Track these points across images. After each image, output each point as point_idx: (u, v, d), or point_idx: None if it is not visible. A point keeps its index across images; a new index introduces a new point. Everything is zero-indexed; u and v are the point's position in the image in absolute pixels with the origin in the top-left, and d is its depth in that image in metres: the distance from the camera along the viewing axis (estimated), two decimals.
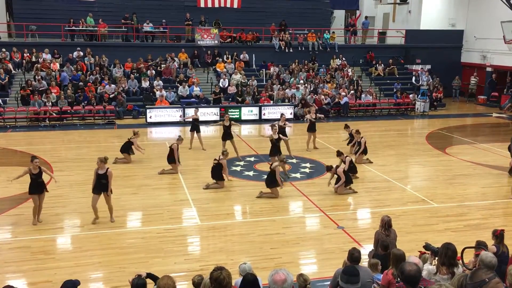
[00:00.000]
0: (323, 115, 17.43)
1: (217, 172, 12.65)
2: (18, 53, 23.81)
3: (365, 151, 15.27)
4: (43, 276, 8.14)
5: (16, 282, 7.77)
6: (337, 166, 12.53)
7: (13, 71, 23.17)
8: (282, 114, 16.04)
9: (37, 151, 15.98)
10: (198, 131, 16.62)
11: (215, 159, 12.77)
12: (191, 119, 17.08)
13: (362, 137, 15.33)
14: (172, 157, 13.85)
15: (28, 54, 23.80)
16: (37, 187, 10.19)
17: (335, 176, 12.42)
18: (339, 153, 13.58)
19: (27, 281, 8.09)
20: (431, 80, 27.11)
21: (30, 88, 21.52)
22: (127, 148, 15.00)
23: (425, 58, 28.67)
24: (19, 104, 21.20)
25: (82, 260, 8.72)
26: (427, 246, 6.31)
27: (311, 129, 16.81)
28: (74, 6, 26.56)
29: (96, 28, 25.70)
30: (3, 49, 23.52)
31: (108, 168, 10.30)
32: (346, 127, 16.72)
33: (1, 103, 20.77)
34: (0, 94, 21.39)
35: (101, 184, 10.24)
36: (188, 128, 17.35)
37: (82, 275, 8.08)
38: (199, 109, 20.72)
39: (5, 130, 19.54)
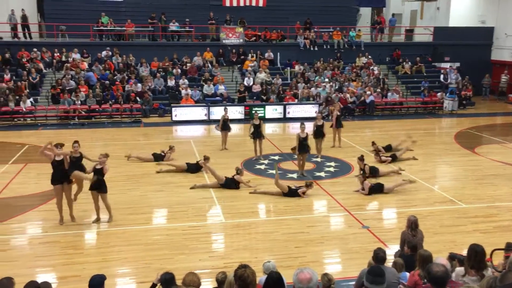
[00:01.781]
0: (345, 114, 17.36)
1: (230, 184, 12.56)
2: (49, 53, 24.38)
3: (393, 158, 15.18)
4: (72, 271, 8.33)
5: (46, 276, 7.98)
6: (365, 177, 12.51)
7: (44, 71, 23.74)
8: (302, 124, 14.28)
9: (66, 148, 16.29)
10: (229, 130, 16.53)
11: (233, 175, 12.71)
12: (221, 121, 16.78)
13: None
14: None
15: (58, 54, 24.35)
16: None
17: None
18: (361, 158, 13.45)
19: (57, 275, 8.29)
20: (460, 78, 26.55)
21: (60, 87, 22.01)
22: (158, 158, 14.94)
23: (453, 56, 28.09)
24: (50, 102, 21.73)
25: (109, 256, 8.89)
26: (452, 256, 6.20)
27: (338, 125, 16.72)
28: (102, 7, 27.00)
29: (123, 28, 26.09)
30: (35, 49, 24.12)
31: (106, 164, 10.14)
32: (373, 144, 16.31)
33: (33, 101, 21.31)
34: (32, 93, 21.93)
35: (97, 181, 10.00)
36: (213, 126, 17.35)
37: (109, 270, 8.23)
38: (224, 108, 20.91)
39: (36, 128, 20.05)
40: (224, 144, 16.49)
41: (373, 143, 16.19)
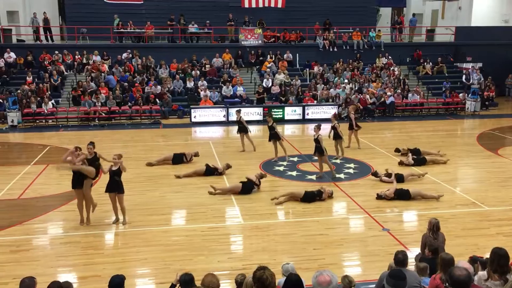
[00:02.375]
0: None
1: (246, 189, 12.39)
2: (70, 55, 24.77)
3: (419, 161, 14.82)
4: (92, 271, 8.41)
5: (67, 275, 8.08)
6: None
7: (65, 73, 24.13)
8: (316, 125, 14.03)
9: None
10: (246, 132, 16.26)
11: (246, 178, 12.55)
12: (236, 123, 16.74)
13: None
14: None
15: (79, 56, 24.73)
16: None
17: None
18: (388, 175, 13.08)
19: (77, 275, 8.38)
20: (482, 79, 26.07)
21: (81, 89, 22.34)
22: (179, 160, 14.90)
23: (476, 56, 27.61)
24: (71, 104, 22.06)
25: (128, 256, 8.96)
26: (474, 259, 6.07)
27: (350, 127, 16.57)
28: (123, 9, 27.32)
29: (143, 30, 26.35)
30: (56, 52, 24.54)
31: (120, 164, 10.13)
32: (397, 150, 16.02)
33: (54, 103, 21.66)
34: (53, 95, 22.31)
35: (114, 182, 10.07)
36: (231, 127, 17.31)
37: (128, 271, 8.30)
38: (241, 109, 20.92)
39: (57, 129, 20.37)
40: (243, 146, 16.43)
41: (398, 150, 15.87)
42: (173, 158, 14.88)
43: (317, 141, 13.25)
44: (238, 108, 17.40)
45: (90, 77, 23.05)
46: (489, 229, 10.15)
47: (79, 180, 10.10)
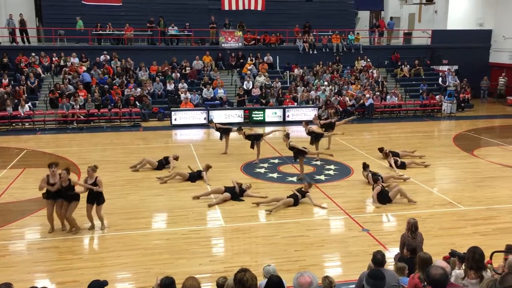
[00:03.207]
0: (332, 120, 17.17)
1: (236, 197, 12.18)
2: (47, 57, 24.40)
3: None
4: (71, 276, 8.30)
5: (44, 281, 7.97)
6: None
7: (42, 75, 23.76)
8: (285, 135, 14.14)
9: (65, 153, 16.32)
10: (229, 132, 16.29)
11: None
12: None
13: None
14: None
15: (56, 58, 24.37)
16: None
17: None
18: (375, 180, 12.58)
19: (55, 280, 8.26)
20: (458, 81, 26.61)
21: (59, 91, 22.02)
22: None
23: (452, 59, 28.15)
24: (48, 107, 21.73)
25: (108, 261, 8.86)
26: (453, 253, 6.20)
27: (329, 127, 16.72)
28: (101, 11, 27.05)
29: (122, 32, 26.13)
30: (33, 54, 24.15)
31: (97, 177, 9.90)
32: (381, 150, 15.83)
33: (31, 106, 21.30)
34: (30, 98, 21.93)
35: (94, 193, 9.86)
36: (215, 131, 17.20)
37: (108, 276, 8.20)
38: (223, 111, 21.00)
39: (34, 132, 20.04)
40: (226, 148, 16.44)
41: (382, 150, 15.76)
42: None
43: (292, 148, 13.40)
44: (210, 119, 17.31)
45: (67, 80, 22.74)
46: (466, 228, 10.35)
47: (54, 194, 9.75)
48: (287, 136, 13.64)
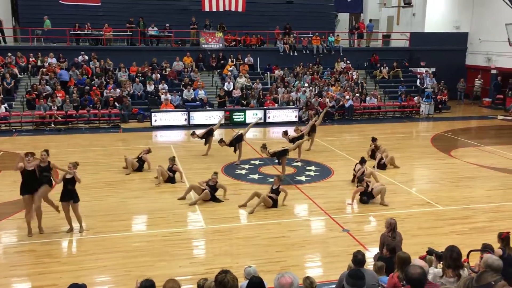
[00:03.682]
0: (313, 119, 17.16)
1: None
2: (24, 58, 23.96)
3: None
4: (48, 280, 8.16)
5: (21, 285, 7.83)
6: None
7: (19, 76, 23.32)
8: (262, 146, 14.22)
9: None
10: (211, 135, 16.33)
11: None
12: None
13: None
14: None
15: (33, 59, 23.96)
16: (67, 194, 9.79)
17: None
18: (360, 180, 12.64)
19: (33, 284, 8.12)
20: (435, 83, 27.06)
21: (36, 92, 21.65)
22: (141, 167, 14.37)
23: (429, 61, 28.60)
24: (25, 108, 21.33)
25: (87, 264, 8.75)
26: (430, 251, 6.29)
27: (312, 130, 16.83)
28: (80, 11, 26.70)
29: (101, 33, 25.83)
30: (9, 54, 23.68)
31: (75, 171, 9.77)
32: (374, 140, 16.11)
33: (7, 107, 20.88)
34: (6, 98, 21.49)
35: (68, 191, 9.75)
36: (191, 131, 17.12)
37: (87, 279, 8.11)
38: (204, 113, 20.90)
39: (11, 134, 19.64)
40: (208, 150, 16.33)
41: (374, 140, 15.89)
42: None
43: (273, 154, 13.48)
44: (191, 131, 16.66)
45: (45, 80, 22.36)
46: (444, 227, 10.53)
47: (30, 187, 9.67)
48: (264, 147, 13.69)
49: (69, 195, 9.79)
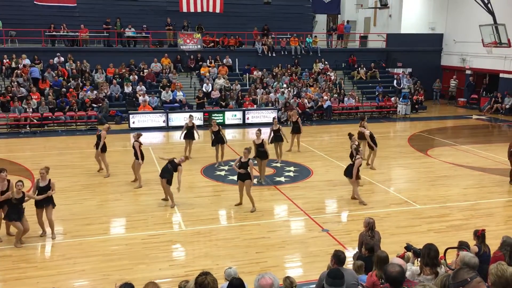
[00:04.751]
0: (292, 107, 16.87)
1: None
2: None
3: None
4: (25, 285, 8.01)
5: None
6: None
7: None
8: (274, 118, 15.07)
9: (18, 158, 15.74)
10: (192, 139, 16.02)
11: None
12: (185, 129, 15.91)
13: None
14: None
15: (7, 60, 23.46)
16: (43, 199, 9.64)
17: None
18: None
19: None
20: (412, 83, 27.49)
21: (10, 94, 21.20)
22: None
23: (406, 62, 29.05)
24: None
25: (65, 268, 8.60)
26: (408, 247, 6.37)
27: (295, 130, 16.92)
28: (55, 12, 26.27)
29: (77, 34, 25.46)
30: None
31: (50, 179, 9.74)
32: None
33: None
34: None
35: (44, 198, 9.62)
36: (172, 133, 17.07)
37: (65, 284, 8.00)
38: (182, 114, 20.71)
39: None
40: (186, 151, 15.88)
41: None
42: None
43: (261, 145, 13.45)
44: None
45: (16, 83, 21.88)
46: (421, 226, 10.69)
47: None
48: (248, 151, 12.36)
49: (45, 201, 9.67)
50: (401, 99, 25.37)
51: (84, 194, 12.55)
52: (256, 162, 13.70)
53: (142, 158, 13.11)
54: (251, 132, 20.81)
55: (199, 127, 19.31)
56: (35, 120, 20.55)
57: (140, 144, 13.21)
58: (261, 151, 13.58)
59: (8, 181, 9.45)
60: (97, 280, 8.23)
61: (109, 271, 8.48)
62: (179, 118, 21.27)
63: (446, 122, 24.44)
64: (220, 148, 15.26)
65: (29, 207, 9.92)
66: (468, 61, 28.45)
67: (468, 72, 28.73)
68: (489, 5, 24.20)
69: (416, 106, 26.14)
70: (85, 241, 9.74)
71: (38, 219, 9.79)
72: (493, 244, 6.83)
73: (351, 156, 12.63)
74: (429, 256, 5.50)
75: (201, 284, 4.08)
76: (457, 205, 12.08)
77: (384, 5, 30.68)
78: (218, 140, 15.19)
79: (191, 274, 7.68)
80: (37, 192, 9.69)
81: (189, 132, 15.95)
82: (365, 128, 15.36)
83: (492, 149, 14.75)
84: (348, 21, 31.80)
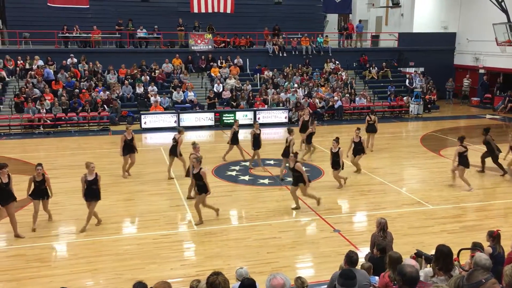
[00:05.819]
0: (316, 121, 16.51)
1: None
2: (12, 61, 23.73)
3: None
4: (38, 284, 8.09)
5: None
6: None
7: (7, 79, 23.09)
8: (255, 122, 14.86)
9: (32, 158, 15.90)
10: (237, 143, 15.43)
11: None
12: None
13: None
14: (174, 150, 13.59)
15: (21, 62, 23.74)
16: (39, 193, 10.30)
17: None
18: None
19: None
20: (424, 83, 27.27)
21: (24, 95, 21.45)
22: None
23: (418, 61, 28.83)
24: (13, 111, 21.12)
25: (77, 268, 8.68)
26: (418, 253, 6.31)
27: (304, 130, 16.84)
28: (68, 13, 26.51)
29: (90, 35, 25.68)
30: None
31: (96, 172, 10.35)
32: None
33: None
34: None
35: (92, 191, 10.23)
36: (186, 134, 16.95)
37: (77, 283, 8.07)
38: (193, 114, 20.70)
39: None
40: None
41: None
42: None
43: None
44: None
45: (31, 84, 22.15)
46: (434, 227, 10.59)
47: (40, 193, 10.30)
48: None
49: (43, 193, 10.34)
50: (413, 98, 25.18)
51: None
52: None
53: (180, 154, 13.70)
54: (262, 132, 20.79)
55: (210, 127, 19.37)
56: (48, 121, 20.78)
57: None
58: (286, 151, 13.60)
59: (8, 175, 9.90)
60: (110, 279, 8.29)
61: (121, 270, 8.53)
62: (190, 119, 21.36)
63: (459, 121, 24.19)
64: (238, 148, 15.24)
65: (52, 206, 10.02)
66: (481, 60, 28.14)
67: (481, 71, 28.42)
68: (502, 4, 23.93)
69: (429, 106, 25.93)
70: (97, 240, 9.82)
71: (34, 214, 10.23)
72: (507, 245, 6.74)
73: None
74: (443, 261, 5.45)
75: (212, 284, 4.09)
76: (471, 206, 11.96)
77: (396, 4, 30.46)
78: (257, 144, 14.82)
79: (202, 274, 7.69)
80: (85, 186, 10.25)
81: (235, 137, 15.42)
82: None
83: (505, 149, 14.56)
84: (360, 21, 31.64)
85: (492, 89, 27.68)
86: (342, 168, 13.06)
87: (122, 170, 13.97)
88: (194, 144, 12.37)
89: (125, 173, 13.97)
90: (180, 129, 14.30)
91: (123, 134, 14.00)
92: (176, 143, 13.81)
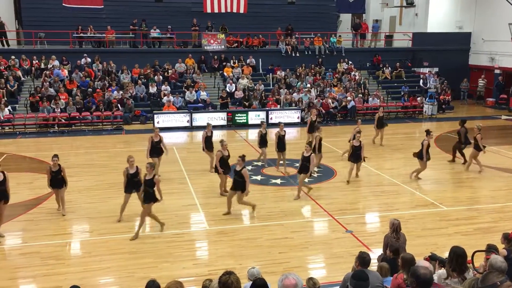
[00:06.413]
0: (318, 126, 16.36)
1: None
2: (27, 60, 24.04)
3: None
4: (53, 282, 8.18)
5: (26, 287, 7.83)
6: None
7: (22, 78, 23.40)
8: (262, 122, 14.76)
9: (46, 157, 16.05)
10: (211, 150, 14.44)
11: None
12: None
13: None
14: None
15: (37, 61, 24.03)
16: (56, 182, 10.96)
17: None
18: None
19: (37, 286, 8.14)
20: (438, 83, 27.01)
21: (39, 94, 21.72)
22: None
23: (432, 61, 28.56)
24: (28, 110, 21.39)
25: (91, 265, 8.76)
26: (433, 257, 6.25)
27: (311, 130, 16.75)
28: (82, 13, 26.77)
29: (104, 35, 25.90)
30: (12, 56, 23.77)
31: (137, 166, 10.85)
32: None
33: (11, 109, 20.96)
34: (10, 101, 21.58)
35: (58, 179, 10.94)
36: (195, 133, 17.14)
37: (91, 280, 8.14)
38: (206, 114, 20.75)
39: (14, 136, 19.71)
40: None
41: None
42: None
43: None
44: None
45: (48, 83, 22.43)
46: (448, 228, 10.50)
47: (57, 182, 11.01)
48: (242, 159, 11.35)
49: (60, 182, 10.99)
50: (427, 99, 24.95)
51: (110, 193, 12.74)
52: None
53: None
54: (275, 132, 20.78)
55: (222, 127, 19.39)
56: (63, 120, 21.01)
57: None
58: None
59: (3, 172, 10.06)
60: (122, 277, 8.35)
61: (134, 268, 8.59)
62: (202, 118, 21.41)
63: (474, 122, 23.86)
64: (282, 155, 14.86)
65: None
66: (497, 60, 27.80)
67: (497, 71, 28.07)
68: None
69: (443, 106, 25.68)
70: (111, 239, 9.90)
71: (56, 198, 11.22)
72: None
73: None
74: (457, 262, 5.39)
75: (224, 284, 4.10)
76: (485, 207, 11.82)
77: (410, 4, 30.21)
78: (282, 146, 14.64)
79: (214, 273, 7.72)
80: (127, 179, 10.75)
81: (280, 142, 14.75)
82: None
83: None
84: (376, 20, 31.45)
85: (508, 89, 27.30)
86: (364, 160, 13.74)
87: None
88: (222, 142, 12.57)
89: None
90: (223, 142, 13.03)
91: (150, 136, 14.05)
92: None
